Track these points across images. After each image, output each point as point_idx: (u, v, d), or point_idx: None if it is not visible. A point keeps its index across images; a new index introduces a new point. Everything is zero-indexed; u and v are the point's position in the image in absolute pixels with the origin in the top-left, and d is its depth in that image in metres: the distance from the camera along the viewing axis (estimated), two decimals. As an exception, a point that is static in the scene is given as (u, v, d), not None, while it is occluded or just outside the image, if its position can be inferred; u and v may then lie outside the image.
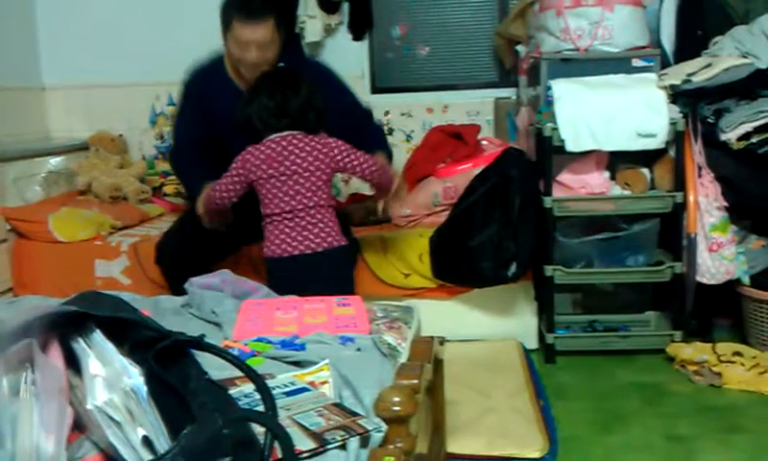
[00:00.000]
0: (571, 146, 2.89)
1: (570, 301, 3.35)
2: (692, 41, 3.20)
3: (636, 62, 3.09)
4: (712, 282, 2.88)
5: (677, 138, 2.92)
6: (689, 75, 2.92)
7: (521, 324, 3.11)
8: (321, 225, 2.43)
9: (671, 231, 2.98)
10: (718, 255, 2.86)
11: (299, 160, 2.40)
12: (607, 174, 3.03)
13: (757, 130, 2.84)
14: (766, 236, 3.01)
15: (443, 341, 2.03)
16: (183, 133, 2.87)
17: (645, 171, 3.04)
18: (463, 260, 2.94)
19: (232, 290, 2.15)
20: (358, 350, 1.75)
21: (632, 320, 3.22)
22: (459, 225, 2.98)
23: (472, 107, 4.05)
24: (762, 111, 2.84)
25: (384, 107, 4.05)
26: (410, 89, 4.16)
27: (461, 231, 2.95)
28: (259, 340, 1.78)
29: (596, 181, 2.98)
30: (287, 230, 2.42)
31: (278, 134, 2.42)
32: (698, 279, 2.89)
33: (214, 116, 2.75)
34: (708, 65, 2.96)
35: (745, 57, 2.92)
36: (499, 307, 3.11)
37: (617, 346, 3.01)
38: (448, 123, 3.85)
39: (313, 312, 1.96)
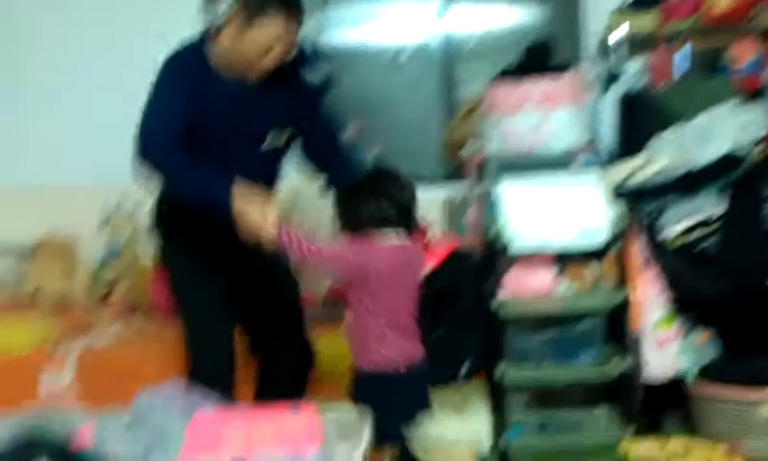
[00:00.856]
0: (517, 247, 2.95)
1: (524, 399, 3.35)
2: (633, 139, 3.32)
3: (579, 161, 3.19)
4: (657, 381, 2.92)
5: (621, 235, 2.99)
6: (630, 174, 3.02)
7: (475, 424, 3.09)
8: (416, 338, 2.41)
9: (619, 326, 3.03)
10: (664, 351, 2.91)
11: (415, 274, 2.42)
12: (553, 272, 3.09)
13: (696, 226, 2.93)
14: (711, 327, 3.07)
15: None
16: (171, 115, 2.40)
17: (592, 267, 3.09)
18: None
19: (182, 403, 2.12)
20: (308, 466, 1.73)
21: (583, 418, 3.22)
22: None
23: (422, 204, 4.09)
24: (699, 209, 2.94)
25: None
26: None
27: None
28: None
29: (543, 279, 3.02)
30: (394, 340, 2.33)
31: (397, 239, 2.34)
32: (644, 376, 2.93)
33: (200, 109, 2.43)
34: (649, 163, 3.07)
35: (682, 156, 3.04)
36: (452, 408, 3.10)
37: (571, 446, 3.01)
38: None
39: (264, 425, 1.94)
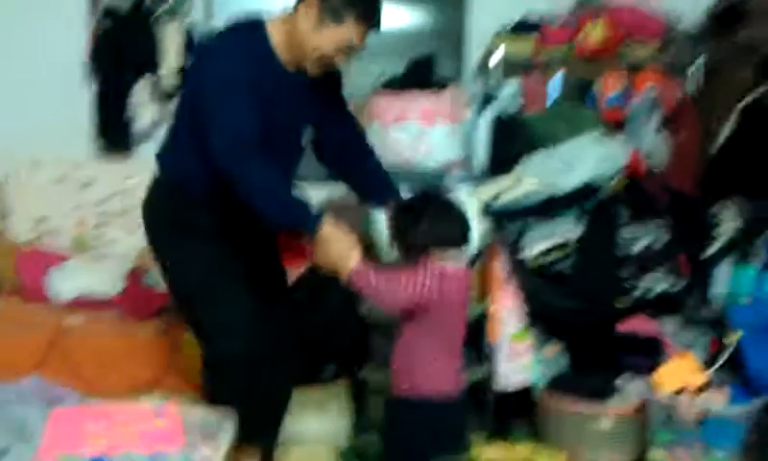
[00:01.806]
0: (385, 255, 3.06)
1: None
2: (503, 160, 3.47)
3: (453, 176, 3.34)
4: (508, 390, 3.10)
5: (485, 251, 3.16)
6: (498, 193, 3.19)
7: (336, 424, 3.19)
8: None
9: (476, 338, 3.20)
10: (516, 362, 3.10)
11: (468, 298, 2.37)
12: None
13: (554, 248, 3.14)
14: (561, 342, 3.28)
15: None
16: (248, 123, 2.20)
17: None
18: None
19: (42, 397, 2.13)
20: (168, 466, 1.78)
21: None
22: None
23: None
24: (558, 232, 3.14)
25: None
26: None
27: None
28: (67, 458, 1.77)
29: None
30: (453, 366, 2.29)
31: (459, 262, 2.29)
32: (496, 385, 3.11)
33: (267, 104, 2.29)
34: (516, 184, 3.24)
35: (546, 181, 3.23)
36: (315, 408, 3.18)
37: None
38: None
39: (126, 424, 1.96)
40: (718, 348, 2.84)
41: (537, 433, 3.22)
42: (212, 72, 2.26)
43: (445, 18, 4.14)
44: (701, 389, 2.70)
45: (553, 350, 3.21)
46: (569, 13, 3.85)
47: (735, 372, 2.74)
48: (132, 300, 3.34)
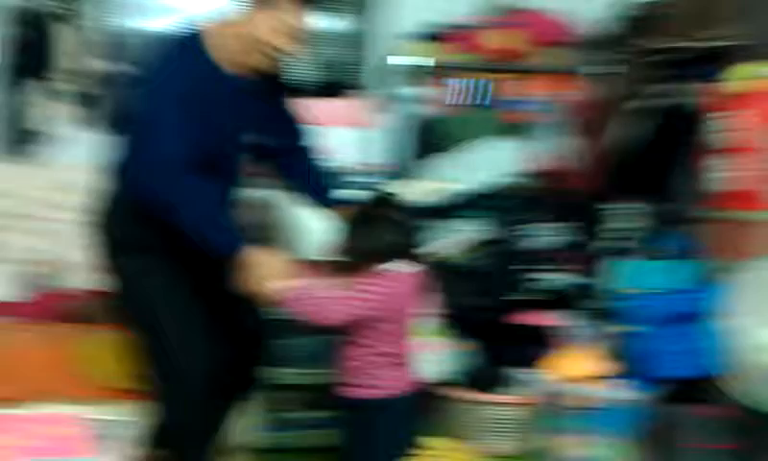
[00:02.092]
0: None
1: (297, 398, 3.51)
2: (410, 163, 3.58)
3: (359, 179, 3.40)
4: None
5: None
6: (403, 195, 3.27)
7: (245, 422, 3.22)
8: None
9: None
10: (424, 357, 3.16)
11: (415, 300, 2.33)
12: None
13: (459, 247, 3.25)
14: (470, 338, 3.38)
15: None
16: (182, 139, 2.17)
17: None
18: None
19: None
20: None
21: (316, 417, 3.34)
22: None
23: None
24: (462, 231, 3.26)
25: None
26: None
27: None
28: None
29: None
30: (401, 367, 2.29)
31: (407, 267, 2.25)
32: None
33: (201, 112, 2.23)
34: (424, 186, 3.34)
35: (454, 182, 3.34)
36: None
37: (316, 442, 3.15)
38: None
39: (32, 430, 1.96)
40: (610, 339, 2.99)
41: (441, 426, 3.32)
42: (147, 91, 2.25)
43: (351, 23, 4.20)
44: (591, 378, 2.84)
45: (461, 345, 3.31)
46: (473, 19, 3.97)
47: (625, 361, 2.89)
48: (36, 304, 3.30)
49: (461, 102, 3.84)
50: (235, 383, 2.59)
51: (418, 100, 3.72)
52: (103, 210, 2.43)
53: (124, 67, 3.76)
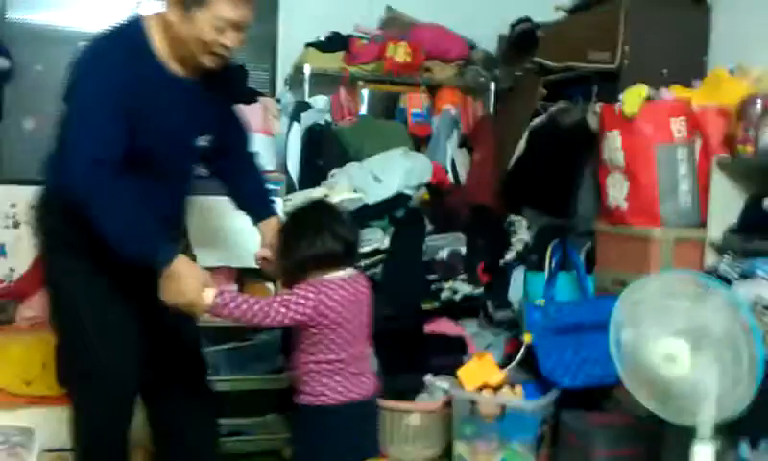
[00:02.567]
0: (202, 261, 3.07)
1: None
2: (314, 170, 3.59)
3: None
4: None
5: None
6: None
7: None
8: (370, 370, 2.32)
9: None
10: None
11: (365, 305, 2.28)
12: (235, 287, 3.26)
13: (365, 256, 3.28)
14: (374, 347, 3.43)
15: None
16: (107, 139, 2.05)
17: (270, 286, 3.31)
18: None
19: None
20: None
21: (252, 423, 3.43)
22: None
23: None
24: (369, 241, 3.29)
25: (11, 199, 3.89)
26: (40, 182, 4.01)
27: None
28: None
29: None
30: (341, 377, 2.21)
31: (344, 274, 2.22)
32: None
33: (142, 116, 2.12)
34: (327, 195, 3.35)
35: (357, 191, 3.37)
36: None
37: (239, 449, 3.20)
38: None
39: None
40: (514, 347, 3.09)
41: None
42: (77, 84, 2.12)
43: (257, 27, 4.17)
44: (499, 386, 2.93)
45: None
46: (377, 30, 4.03)
47: (529, 369, 3.00)
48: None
49: (366, 111, 3.91)
50: (168, 387, 2.51)
51: (323, 108, 3.74)
52: (37, 205, 2.34)
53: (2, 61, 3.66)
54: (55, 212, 2.27)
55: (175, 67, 2.21)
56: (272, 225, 2.46)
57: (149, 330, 2.36)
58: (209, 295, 2.12)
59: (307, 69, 3.78)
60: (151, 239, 2.10)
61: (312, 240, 2.19)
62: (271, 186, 3.31)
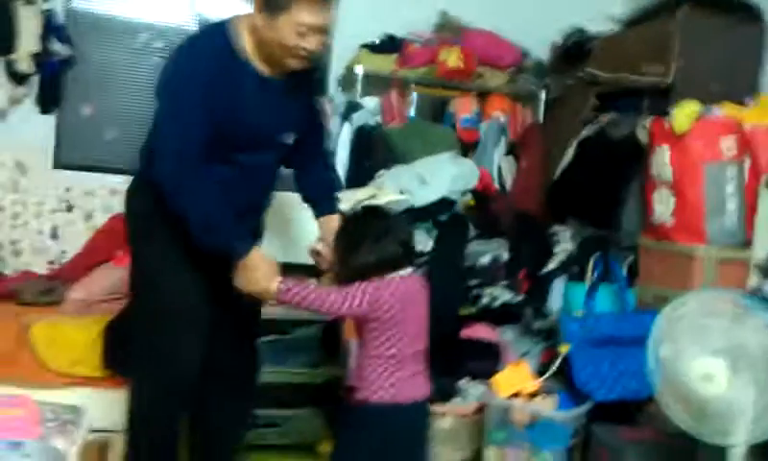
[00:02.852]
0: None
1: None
2: (362, 170, 3.64)
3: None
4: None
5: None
6: (357, 203, 3.32)
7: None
8: (425, 371, 2.35)
9: (333, 336, 3.33)
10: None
11: (422, 305, 2.31)
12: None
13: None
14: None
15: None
16: (193, 135, 2.21)
17: (313, 281, 3.36)
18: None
19: None
20: (27, 456, 1.79)
21: (289, 416, 3.48)
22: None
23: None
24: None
25: (66, 183, 4.01)
26: (95, 169, 4.14)
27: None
28: None
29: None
30: (402, 374, 2.24)
31: (403, 272, 2.26)
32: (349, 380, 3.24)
33: (231, 113, 2.25)
34: (374, 195, 3.39)
35: (403, 194, 3.40)
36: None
37: (275, 441, 3.25)
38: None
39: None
40: (550, 357, 3.09)
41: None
42: (168, 81, 2.26)
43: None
44: (533, 394, 2.93)
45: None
46: (430, 34, 4.06)
47: (564, 380, 2.99)
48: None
49: (415, 115, 3.94)
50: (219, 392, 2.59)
51: (373, 110, 3.78)
52: (130, 189, 2.52)
53: (65, 49, 3.77)
54: (145, 196, 2.40)
55: (261, 67, 2.30)
56: (332, 221, 2.52)
57: (216, 312, 2.45)
58: (276, 281, 2.25)
59: (360, 70, 3.83)
60: (228, 232, 2.26)
61: (371, 246, 2.23)
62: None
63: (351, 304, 2.18)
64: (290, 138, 2.46)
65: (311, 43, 2.21)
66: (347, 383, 2.39)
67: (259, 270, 2.25)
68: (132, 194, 2.51)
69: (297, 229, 3.13)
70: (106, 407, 2.87)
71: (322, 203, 2.61)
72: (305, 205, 2.66)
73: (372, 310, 2.19)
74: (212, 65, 2.22)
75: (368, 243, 2.24)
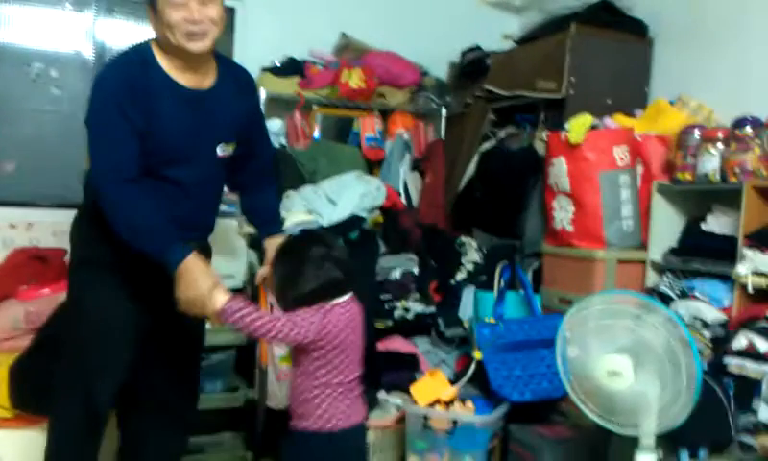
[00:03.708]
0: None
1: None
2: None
3: (222, 208, 3.43)
4: (280, 407, 3.25)
5: (253, 279, 3.30)
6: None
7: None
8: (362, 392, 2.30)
9: (248, 361, 3.33)
10: (285, 383, 3.25)
11: (360, 328, 2.27)
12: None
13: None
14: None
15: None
16: (122, 148, 2.20)
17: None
18: (47, 388, 2.93)
19: None
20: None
21: (208, 441, 3.46)
22: (45, 351, 2.98)
23: (60, 227, 4.04)
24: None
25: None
26: (-8, 203, 4.00)
27: (47, 359, 2.94)
28: None
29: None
30: (347, 401, 2.21)
31: (343, 300, 2.21)
32: (268, 404, 3.25)
33: (154, 125, 2.23)
34: (284, 217, 3.41)
35: (310, 213, 3.44)
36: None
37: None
38: (32, 244, 3.80)
39: None
40: (465, 364, 3.19)
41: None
42: (92, 100, 2.25)
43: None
44: (451, 401, 3.01)
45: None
46: (332, 56, 4.12)
47: (480, 385, 3.09)
48: None
49: (320, 135, 3.99)
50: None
51: (278, 132, 3.81)
52: (75, 218, 2.49)
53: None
54: (83, 225, 2.43)
55: (182, 79, 2.29)
56: (276, 243, 2.47)
57: (151, 336, 2.43)
58: (221, 298, 2.15)
59: (263, 93, 3.84)
60: (163, 237, 2.20)
61: (315, 272, 2.19)
62: (225, 208, 3.40)
63: (300, 332, 2.13)
64: (225, 151, 2.42)
65: (192, 12, 2.19)
66: (289, 409, 2.30)
67: (198, 276, 2.16)
68: (73, 224, 2.50)
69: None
70: (19, 447, 2.78)
71: (267, 224, 2.62)
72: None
73: (320, 338, 2.15)
74: (128, 80, 2.21)
75: (310, 269, 2.19)
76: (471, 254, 3.58)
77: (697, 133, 2.98)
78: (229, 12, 4.18)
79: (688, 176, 2.99)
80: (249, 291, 3.34)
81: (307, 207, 3.47)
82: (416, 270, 3.47)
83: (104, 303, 2.35)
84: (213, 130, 2.39)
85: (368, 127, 4.05)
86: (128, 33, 4.15)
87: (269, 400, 3.26)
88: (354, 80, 3.97)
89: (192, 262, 2.18)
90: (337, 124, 4.13)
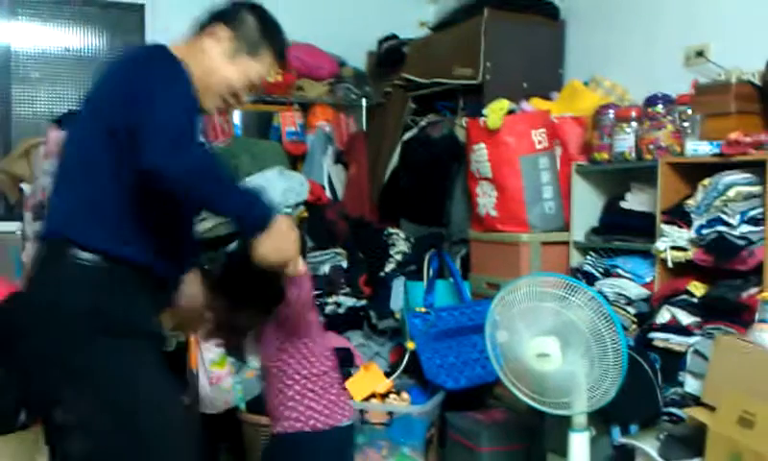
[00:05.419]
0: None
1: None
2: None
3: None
4: (213, 412, 3.22)
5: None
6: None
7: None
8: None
9: (179, 366, 3.27)
10: (218, 387, 3.22)
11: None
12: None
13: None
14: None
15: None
16: (195, 129, 1.76)
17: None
18: None
19: None
20: None
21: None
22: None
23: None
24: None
25: None
26: None
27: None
28: None
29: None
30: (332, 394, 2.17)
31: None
32: (201, 409, 3.21)
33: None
34: (203, 218, 3.36)
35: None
36: (10, 457, 3.04)
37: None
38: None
39: None
40: (399, 355, 3.20)
41: (242, 454, 3.37)
42: (174, 74, 1.83)
43: (124, 45, 4.11)
44: (387, 393, 3.03)
45: (251, 373, 3.38)
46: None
47: (415, 375, 3.11)
48: None
49: (240, 131, 3.94)
50: None
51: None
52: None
53: None
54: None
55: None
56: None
57: None
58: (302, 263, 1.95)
59: (179, 91, 3.76)
60: (257, 194, 1.82)
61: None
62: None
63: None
64: None
65: (246, 95, 2.01)
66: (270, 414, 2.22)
67: (290, 235, 1.79)
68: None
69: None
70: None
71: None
72: None
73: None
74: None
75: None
76: (399, 244, 3.59)
77: (611, 112, 3.04)
78: (138, 10, 4.10)
79: (605, 155, 3.04)
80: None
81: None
82: (344, 264, 3.46)
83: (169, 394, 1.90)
84: None
85: (288, 121, 4.02)
86: (33, 34, 4.04)
87: (202, 405, 3.21)
88: (271, 73, 3.91)
89: (284, 220, 1.81)
90: (257, 119, 4.08)
